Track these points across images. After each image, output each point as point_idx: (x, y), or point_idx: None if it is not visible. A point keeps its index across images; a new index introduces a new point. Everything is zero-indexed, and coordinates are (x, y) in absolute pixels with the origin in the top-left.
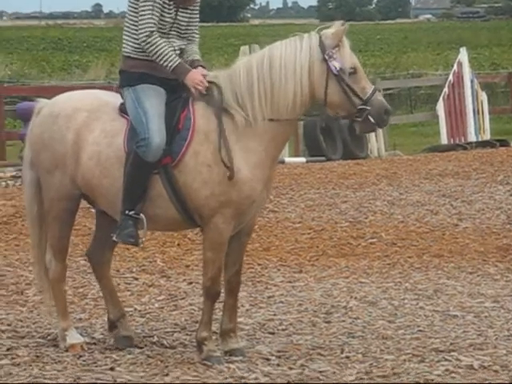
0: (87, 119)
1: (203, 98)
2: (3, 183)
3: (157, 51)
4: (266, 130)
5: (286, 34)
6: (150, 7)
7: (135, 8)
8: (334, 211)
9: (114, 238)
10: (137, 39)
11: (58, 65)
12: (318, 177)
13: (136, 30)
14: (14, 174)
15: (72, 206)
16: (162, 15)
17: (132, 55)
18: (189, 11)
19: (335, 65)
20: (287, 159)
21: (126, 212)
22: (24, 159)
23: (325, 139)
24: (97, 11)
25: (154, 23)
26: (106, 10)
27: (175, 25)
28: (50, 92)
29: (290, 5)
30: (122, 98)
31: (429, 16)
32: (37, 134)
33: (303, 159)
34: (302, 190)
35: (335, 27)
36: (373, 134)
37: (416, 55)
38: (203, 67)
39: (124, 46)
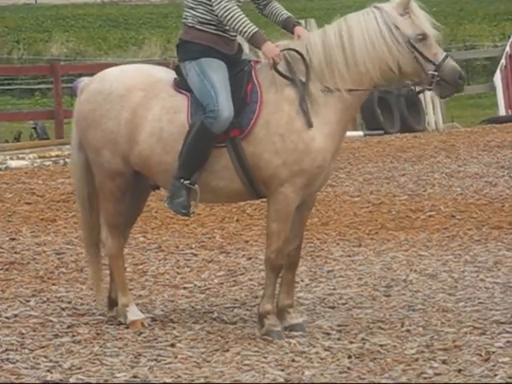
0: (144, 98)
1: (277, 68)
2: (61, 161)
3: (235, 17)
4: (342, 99)
5: (341, 7)
6: None
7: None
8: (393, 184)
9: (166, 205)
10: (203, 8)
11: (115, 42)
12: (376, 150)
13: None
14: (71, 151)
15: (125, 184)
16: None
17: (197, 26)
18: None
19: (405, 33)
20: None
21: (182, 180)
22: (72, 140)
23: (382, 112)
24: None
25: None
26: None
27: None
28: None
29: None
30: (181, 72)
31: None
32: (85, 112)
33: (361, 133)
34: (359, 163)
35: None
36: (430, 107)
37: (472, 27)
38: (299, 24)
39: (187, 15)
